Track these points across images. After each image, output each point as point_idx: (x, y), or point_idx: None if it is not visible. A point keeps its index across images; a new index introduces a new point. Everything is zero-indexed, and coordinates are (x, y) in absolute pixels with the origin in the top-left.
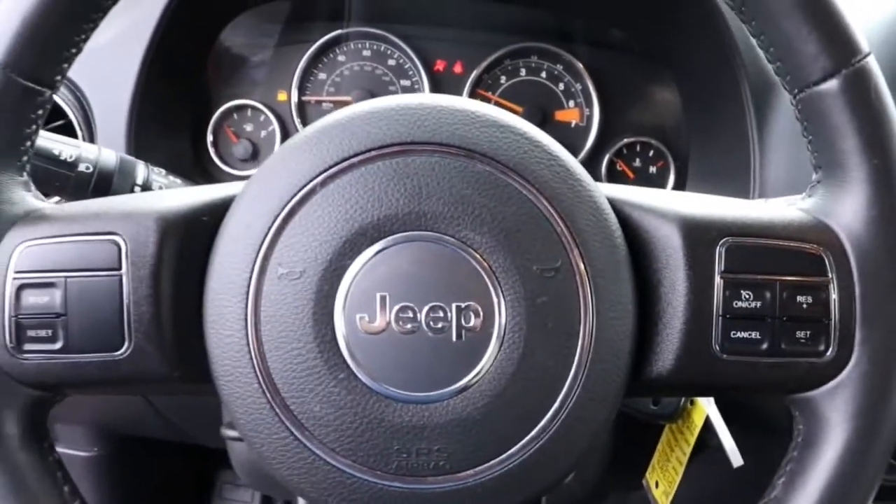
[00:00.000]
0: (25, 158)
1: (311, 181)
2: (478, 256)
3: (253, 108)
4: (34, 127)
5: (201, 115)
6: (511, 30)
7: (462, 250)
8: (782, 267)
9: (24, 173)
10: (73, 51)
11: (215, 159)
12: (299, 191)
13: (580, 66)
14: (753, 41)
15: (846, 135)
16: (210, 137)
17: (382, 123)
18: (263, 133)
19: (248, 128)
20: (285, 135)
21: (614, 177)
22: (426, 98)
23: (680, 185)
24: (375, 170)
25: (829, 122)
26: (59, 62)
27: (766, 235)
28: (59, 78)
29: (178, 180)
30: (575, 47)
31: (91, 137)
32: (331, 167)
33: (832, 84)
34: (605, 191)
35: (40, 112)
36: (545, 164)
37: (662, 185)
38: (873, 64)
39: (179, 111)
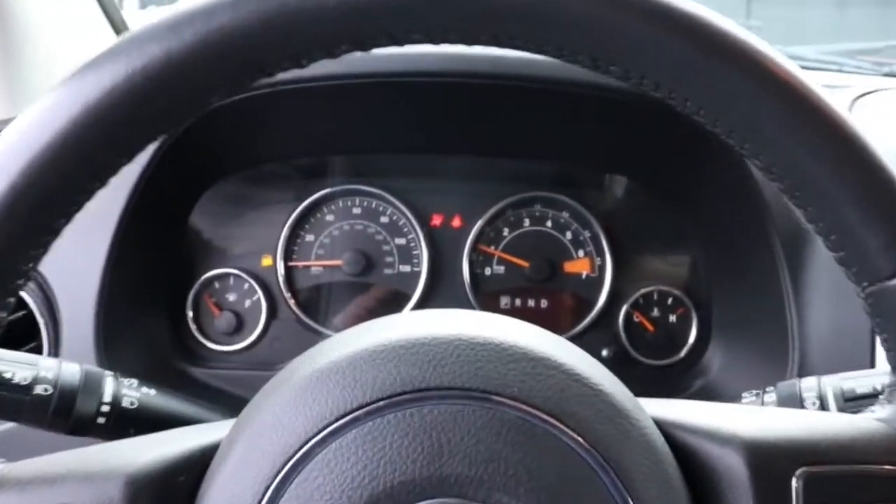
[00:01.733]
0: None
1: (307, 442)
2: None
3: (235, 276)
4: None
5: (179, 288)
6: (512, 179)
7: None
8: (868, 495)
9: None
10: (41, 251)
11: (197, 335)
12: (294, 454)
13: (587, 213)
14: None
15: None
16: (190, 312)
17: (390, 366)
18: (248, 303)
19: (231, 297)
20: (271, 303)
21: (632, 329)
22: (440, 328)
23: (704, 335)
24: (384, 425)
25: None
26: (23, 266)
27: (846, 460)
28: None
29: (153, 391)
30: (581, 193)
31: (55, 326)
32: (330, 424)
33: None
34: (655, 410)
35: None
36: (586, 402)
37: (685, 334)
38: None
39: (154, 289)
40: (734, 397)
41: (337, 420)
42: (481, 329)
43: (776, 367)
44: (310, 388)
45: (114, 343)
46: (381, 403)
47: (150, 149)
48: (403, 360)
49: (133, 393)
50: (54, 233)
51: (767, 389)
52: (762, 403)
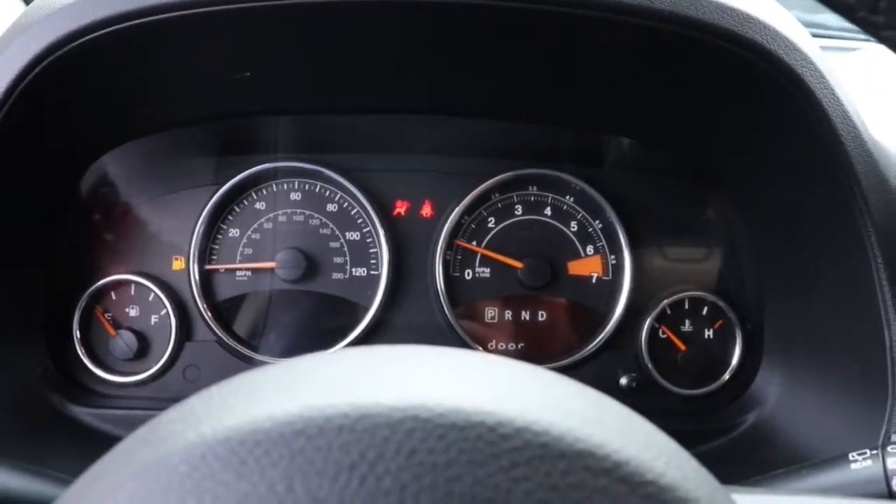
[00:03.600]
0: None
1: None
2: None
3: (137, 284)
4: None
5: (62, 300)
6: (499, 151)
7: None
8: None
9: None
10: None
11: (85, 361)
12: None
13: (598, 196)
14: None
15: None
16: (77, 332)
17: (276, 472)
18: (154, 318)
19: (132, 312)
20: (184, 319)
21: (657, 349)
22: (384, 385)
23: (752, 355)
24: None
25: None
26: None
27: None
28: None
29: None
30: (590, 170)
31: None
32: None
33: None
34: None
35: None
36: None
37: (725, 354)
38: None
39: (23, 302)
40: (809, 443)
41: None
42: (458, 388)
43: (868, 402)
44: None
45: None
46: None
47: None
48: (300, 464)
49: None
50: None
51: (891, 447)
52: (886, 470)
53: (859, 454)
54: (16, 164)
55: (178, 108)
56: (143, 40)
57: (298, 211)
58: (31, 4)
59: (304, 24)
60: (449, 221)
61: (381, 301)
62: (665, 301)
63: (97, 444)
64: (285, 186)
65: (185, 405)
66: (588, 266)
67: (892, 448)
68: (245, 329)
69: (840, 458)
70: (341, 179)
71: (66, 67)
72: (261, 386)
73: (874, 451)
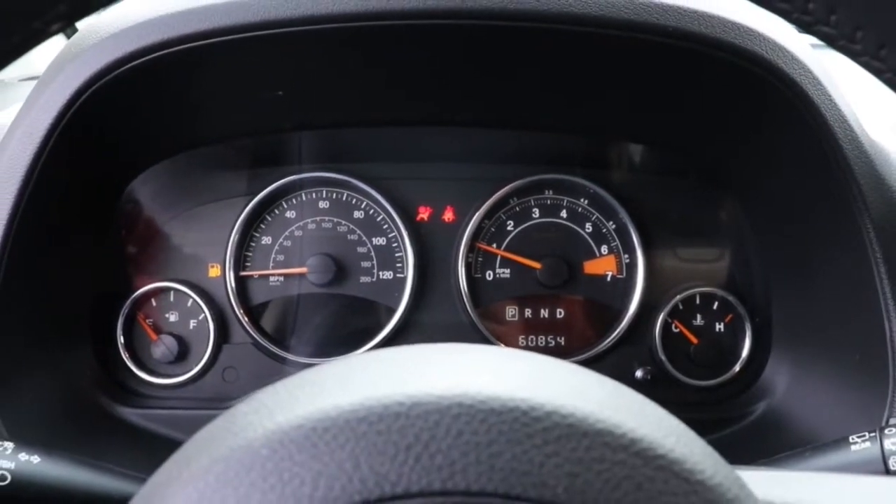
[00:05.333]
0: None
1: None
2: None
3: (176, 291)
4: None
5: (106, 308)
6: (515, 158)
7: None
8: None
9: None
10: None
11: (130, 365)
12: None
13: (611, 198)
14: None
15: None
16: (121, 338)
17: (341, 456)
18: (192, 323)
19: (172, 318)
20: (221, 323)
21: (671, 342)
22: (426, 379)
23: (761, 347)
24: None
25: None
26: None
27: None
28: None
29: (35, 457)
30: (603, 174)
31: None
32: None
33: None
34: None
35: None
36: None
37: (735, 346)
38: None
39: (71, 310)
40: (817, 429)
41: None
42: (496, 379)
43: (869, 389)
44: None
45: (10, 381)
46: None
47: (43, 128)
48: (364, 446)
49: (5, 463)
50: None
51: (888, 430)
52: (883, 450)
53: (859, 437)
54: (63, 183)
55: (215, 126)
56: (183, 65)
57: (327, 218)
58: (76, 34)
59: (337, 48)
60: (470, 225)
61: (408, 302)
62: (677, 297)
63: (144, 441)
64: (314, 195)
65: (255, 400)
66: (603, 265)
67: (889, 430)
68: (279, 331)
69: (841, 441)
70: (367, 188)
71: (113, 91)
72: (323, 381)
73: (873, 434)
